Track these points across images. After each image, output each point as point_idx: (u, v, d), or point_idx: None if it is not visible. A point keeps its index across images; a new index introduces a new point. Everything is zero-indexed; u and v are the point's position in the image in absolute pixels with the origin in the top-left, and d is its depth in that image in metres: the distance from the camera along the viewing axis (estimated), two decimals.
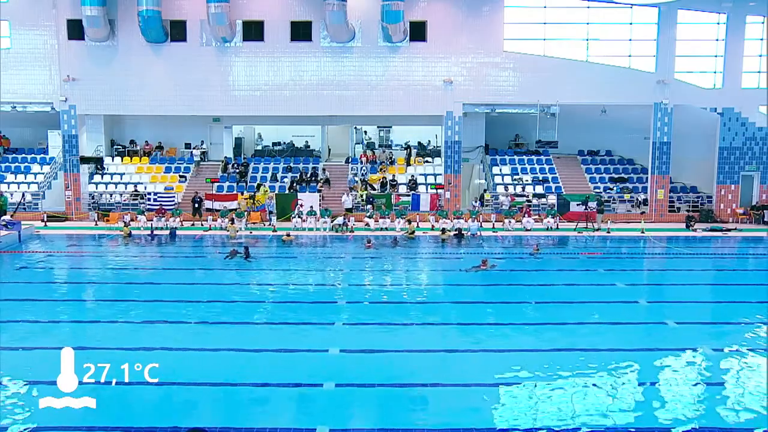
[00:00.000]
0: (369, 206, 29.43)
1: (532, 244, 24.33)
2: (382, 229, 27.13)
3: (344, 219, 27.65)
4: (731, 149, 30.74)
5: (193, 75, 30.32)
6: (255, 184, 31.34)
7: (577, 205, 28.98)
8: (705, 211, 30.68)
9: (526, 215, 28.57)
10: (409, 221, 27.36)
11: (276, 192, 30.57)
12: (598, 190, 31.40)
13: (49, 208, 30.41)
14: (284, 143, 36.12)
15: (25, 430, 8.77)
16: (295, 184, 31.49)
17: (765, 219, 29.54)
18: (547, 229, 27.84)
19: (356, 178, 32.03)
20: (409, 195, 30.75)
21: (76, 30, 29.78)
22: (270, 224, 28.16)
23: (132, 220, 27.91)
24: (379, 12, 29.00)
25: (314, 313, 14.78)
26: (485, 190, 32.19)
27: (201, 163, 33.74)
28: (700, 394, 10.27)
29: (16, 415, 9.18)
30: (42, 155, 33.28)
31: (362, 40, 30.22)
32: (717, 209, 30.86)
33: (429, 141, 36.08)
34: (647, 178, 31.23)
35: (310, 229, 27.38)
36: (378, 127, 38.17)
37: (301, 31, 30.15)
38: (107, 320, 14.01)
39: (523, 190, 31.57)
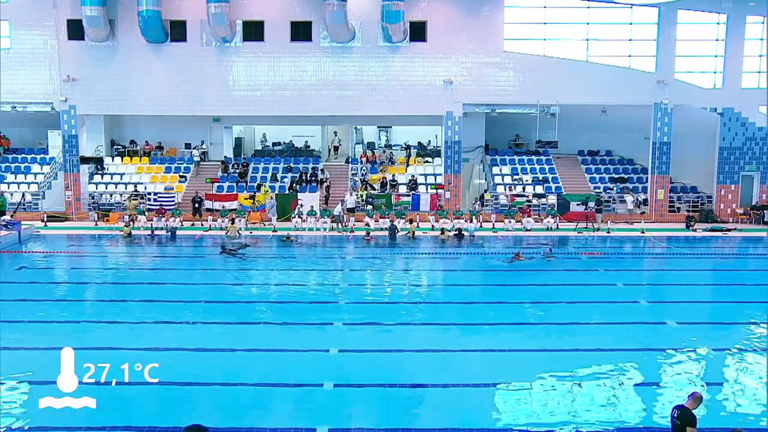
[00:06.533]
0: (369, 206, 29.43)
1: (532, 244, 24.34)
2: (382, 229, 27.12)
3: (342, 207, 27.78)
4: (731, 149, 30.72)
5: (193, 75, 30.28)
6: (255, 184, 31.33)
7: (577, 205, 28.99)
8: (705, 211, 30.65)
9: (526, 215, 28.57)
10: (411, 221, 27.33)
11: (276, 192, 30.56)
12: (598, 190, 31.36)
13: (49, 208, 30.37)
14: (284, 143, 36.11)
15: (25, 430, 8.78)
16: (295, 184, 31.49)
17: (765, 219, 29.50)
18: (547, 229, 27.84)
19: (356, 178, 32.02)
20: (409, 195, 30.75)
21: (76, 30, 29.73)
22: (270, 224, 28.16)
23: (132, 220, 27.92)
24: (379, 12, 28.98)
25: (314, 313, 14.78)
26: (485, 190, 32.17)
27: (201, 163, 33.72)
28: None
29: (16, 415, 9.18)
30: (42, 155, 33.24)
31: (362, 40, 30.19)
32: (717, 209, 30.84)
33: (429, 141, 36.06)
34: (647, 178, 31.21)
35: (310, 229, 27.38)
36: (378, 127, 38.13)
37: (301, 31, 30.12)
38: (107, 320, 14.02)
39: (524, 190, 31.56)
